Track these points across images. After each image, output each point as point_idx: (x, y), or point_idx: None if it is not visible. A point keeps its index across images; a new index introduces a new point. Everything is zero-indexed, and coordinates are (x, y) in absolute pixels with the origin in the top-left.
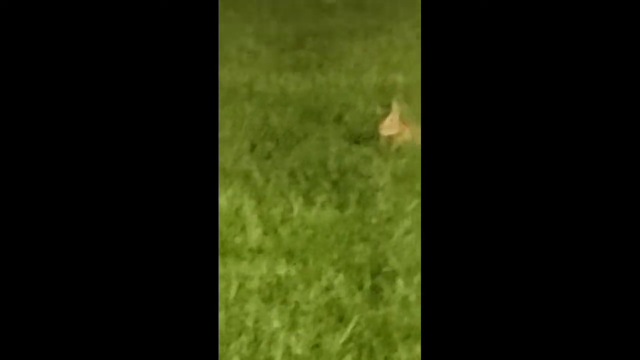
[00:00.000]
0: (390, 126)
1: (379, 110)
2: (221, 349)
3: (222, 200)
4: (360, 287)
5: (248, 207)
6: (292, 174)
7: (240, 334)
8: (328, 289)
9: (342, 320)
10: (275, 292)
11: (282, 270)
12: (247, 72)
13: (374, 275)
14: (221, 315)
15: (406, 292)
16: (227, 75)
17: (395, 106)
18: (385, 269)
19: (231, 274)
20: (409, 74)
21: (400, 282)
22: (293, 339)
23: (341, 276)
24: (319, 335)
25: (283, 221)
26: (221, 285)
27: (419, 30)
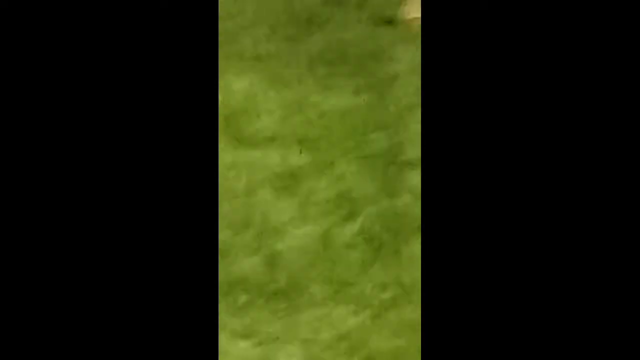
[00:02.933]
0: (409, 10)
1: None
2: (226, 238)
3: (238, 86)
4: (373, 178)
5: (263, 93)
6: (311, 60)
7: (248, 226)
8: (340, 178)
9: (352, 212)
10: (286, 182)
11: (294, 159)
12: None
13: (388, 165)
14: (227, 206)
15: (419, 183)
16: None
17: None
18: (400, 159)
19: (241, 163)
20: None
21: (414, 173)
22: (301, 230)
23: (354, 165)
24: (328, 227)
25: (299, 108)
26: (230, 174)
27: None
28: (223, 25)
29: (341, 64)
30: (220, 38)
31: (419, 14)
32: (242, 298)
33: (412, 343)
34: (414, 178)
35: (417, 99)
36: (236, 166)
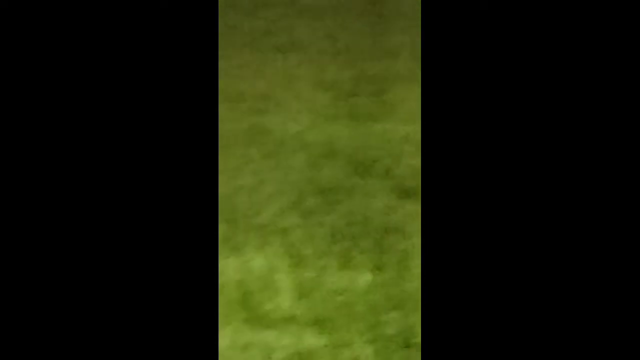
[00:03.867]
0: None
1: None
2: None
3: (257, 262)
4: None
5: (282, 270)
6: (333, 233)
7: None
8: None
9: None
10: None
11: (310, 340)
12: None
13: (403, 347)
14: None
15: None
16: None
17: None
18: (414, 341)
19: (255, 344)
20: None
21: None
22: None
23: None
24: None
25: (317, 286)
26: (244, 356)
27: None
28: (245, 198)
29: (363, 238)
30: (243, 207)
31: None
32: None
33: None
34: None
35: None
36: (251, 347)
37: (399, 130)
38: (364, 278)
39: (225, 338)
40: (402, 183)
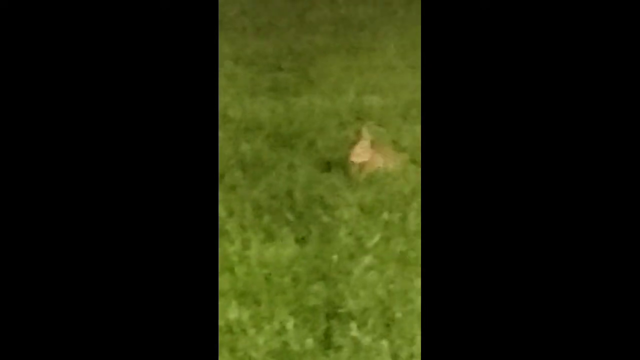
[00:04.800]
0: (360, 153)
1: (352, 136)
2: None
3: None
4: (313, 331)
5: None
6: (256, 208)
7: None
8: (279, 333)
9: None
10: (225, 338)
11: (233, 313)
12: (222, 96)
13: (328, 318)
14: None
15: (359, 335)
16: None
17: (365, 133)
18: (340, 311)
19: None
20: (387, 97)
21: (353, 325)
22: None
23: (294, 320)
24: None
25: (240, 260)
26: None
27: (402, 50)
28: None
29: (287, 211)
30: None
31: (367, 158)
32: None
33: None
34: (354, 330)
35: (358, 247)
36: None
37: (322, 103)
38: (288, 250)
39: None
40: (325, 156)
